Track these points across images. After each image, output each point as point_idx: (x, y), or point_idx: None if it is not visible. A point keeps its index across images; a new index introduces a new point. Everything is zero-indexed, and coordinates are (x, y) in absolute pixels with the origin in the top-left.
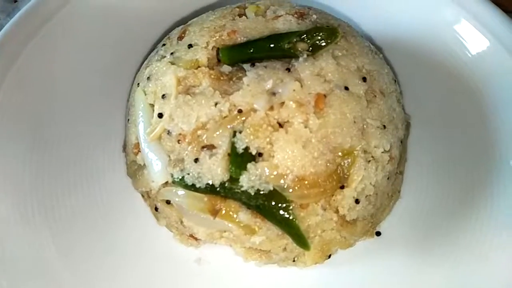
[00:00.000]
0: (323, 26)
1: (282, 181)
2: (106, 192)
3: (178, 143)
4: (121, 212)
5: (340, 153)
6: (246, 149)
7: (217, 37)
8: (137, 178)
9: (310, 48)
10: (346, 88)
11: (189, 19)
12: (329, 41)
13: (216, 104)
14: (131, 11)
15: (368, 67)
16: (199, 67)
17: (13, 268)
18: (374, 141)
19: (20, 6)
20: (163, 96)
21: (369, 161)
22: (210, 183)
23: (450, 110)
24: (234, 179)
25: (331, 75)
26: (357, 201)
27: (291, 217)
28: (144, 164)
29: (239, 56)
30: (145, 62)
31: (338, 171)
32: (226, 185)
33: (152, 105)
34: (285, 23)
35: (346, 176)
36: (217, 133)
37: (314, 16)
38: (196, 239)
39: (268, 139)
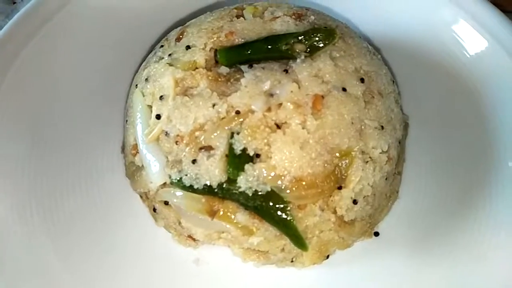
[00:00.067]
0: (321, 27)
1: (279, 182)
2: (105, 193)
3: (176, 144)
4: (119, 213)
5: (337, 154)
6: (244, 150)
7: (215, 39)
8: (136, 179)
9: (308, 49)
10: (344, 89)
11: (187, 21)
12: (327, 42)
13: (214, 105)
14: (130, 12)
15: (366, 68)
16: (197, 68)
17: (12, 269)
18: (372, 142)
19: (19, 8)
20: (161, 97)
21: (367, 162)
22: (208, 184)
23: (448, 111)
24: (232, 180)
25: (329, 76)
26: (355, 202)
27: (289, 218)
28: (142, 165)
29: (237, 57)
30: (143, 64)
31: (336, 172)
32: (224, 186)
33: (150, 107)
34: (283, 24)
35: (343, 177)
36: (215, 134)
37: (312, 17)
38: (194, 240)
39: (265, 140)
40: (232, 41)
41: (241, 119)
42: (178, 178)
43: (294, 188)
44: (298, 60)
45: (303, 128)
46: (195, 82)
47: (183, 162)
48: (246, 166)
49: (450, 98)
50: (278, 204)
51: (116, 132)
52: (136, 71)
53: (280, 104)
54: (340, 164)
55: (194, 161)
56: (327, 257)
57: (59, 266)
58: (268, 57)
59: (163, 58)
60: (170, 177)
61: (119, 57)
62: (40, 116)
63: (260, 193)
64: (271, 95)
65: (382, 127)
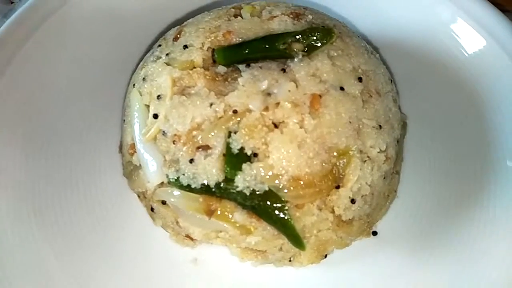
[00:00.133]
0: (318, 26)
1: (277, 181)
2: (103, 192)
3: (173, 143)
4: (117, 212)
5: (335, 153)
6: (241, 149)
7: (212, 38)
8: (133, 178)
9: (306, 49)
10: (342, 88)
11: (185, 20)
12: (324, 41)
13: (211, 104)
14: (127, 12)
15: (364, 67)
16: (194, 67)
17: (9, 270)
18: (369, 141)
19: (16, 8)
20: (159, 97)
21: (365, 161)
22: (205, 184)
23: (446, 110)
24: (229, 180)
25: (327, 76)
26: (353, 201)
27: (286, 217)
28: (140, 165)
29: (234, 56)
30: (141, 63)
31: (334, 171)
32: (222, 185)
33: (148, 106)
34: (280, 23)
35: (341, 176)
36: (212, 133)
37: (310, 17)
38: (192, 239)
39: (263, 140)
40: (230, 40)
41: (239, 119)
42: (176, 178)
43: (291, 188)
44: (295, 59)
45: (300, 128)
46: (193, 81)
47: (181, 161)
48: (244, 166)
49: (448, 98)
50: (276, 204)
51: (113, 131)
52: (134, 71)
53: (278, 104)
54: (338, 163)
55: (191, 161)
56: (325, 256)
57: (57, 265)
58: (265, 56)
59: (160, 57)
60: (167, 176)
61: (117, 57)
62: (38, 116)
63: (257, 193)
64: (269, 94)
65: (380, 126)
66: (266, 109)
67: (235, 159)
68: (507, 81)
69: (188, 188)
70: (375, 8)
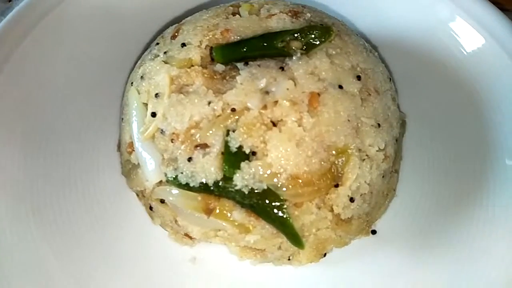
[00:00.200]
0: (317, 24)
1: (276, 180)
2: (101, 191)
3: (172, 142)
4: (116, 211)
5: (334, 152)
6: (240, 148)
7: (210, 36)
8: (131, 177)
9: (304, 47)
10: (340, 87)
11: (182, 18)
12: (323, 39)
13: (209, 103)
14: (125, 10)
15: (363, 66)
16: (192, 66)
17: (8, 269)
18: (368, 139)
19: (14, 6)
20: (157, 95)
21: (364, 159)
22: (204, 182)
23: (445, 108)
24: (227, 178)
25: (325, 74)
26: (351, 200)
27: (285, 216)
28: (138, 163)
29: (233, 55)
30: (139, 61)
31: (332, 170)
32: (220, 184)
33: (146, 104)
34: (279, 21)
35: (340, 175)
36: (211, 132)
37: (308, 15)
38: (191, 238)
39: (261, 138)
40: (228, 38)
41: (237, 117)
42: (174, 176)
43: (290, 186)
44: (294, 58)
45: (299, 126)
46: (191, 79)
47: (179, 160)
48: (242, 164)
49: (447, 96)
50: (275, 202)
51: (112, 130)
52: (132, 69)
53: (276, 102)
54: (336, 162)
55: (189, 159)
56: (324, 255)
57: (56, 264)
58: (264, 55)
59: (158, 55)
60: (165, 175)
61: (115, 55)
62: (36, 114)
63: (256, 191)
64: (267, 92)
65: (379, 125)
66: (265, 107)
67: (234, 158)
68: (506, 80)
69: (186, 186)
70: (373, 6)
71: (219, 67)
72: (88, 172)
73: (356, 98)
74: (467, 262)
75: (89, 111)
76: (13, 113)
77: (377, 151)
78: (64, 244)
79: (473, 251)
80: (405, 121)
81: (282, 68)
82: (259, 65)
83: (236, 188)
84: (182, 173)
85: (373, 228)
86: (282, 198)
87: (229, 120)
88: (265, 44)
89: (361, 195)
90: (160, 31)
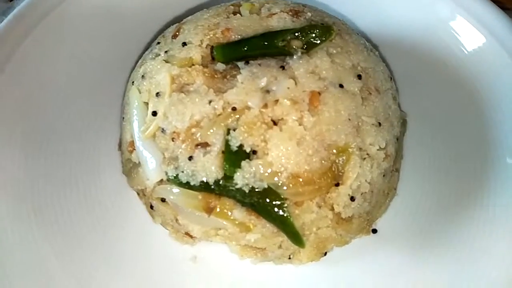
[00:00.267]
0: (317, 23)
1: (276, 179)
2: (102, 191)
3: (172, 141)
4: (117, 210)
5: (334, 151)
6: (240, 146)
7: (211, 35)
8: (132, 176)
9: (305, 46)
10: (341, 86)
11: (183, 17)
12: (323, 38)
13: (210, 102)
14: (126, 9)
15: (363, 65)
16: (193, 65)
17: (10, 269)
18: (369, 138)
19: (15, 6)
20: (157, 94)
21: (364, 158)
22: (205, 181)
23: (446, 107)
24: (228, 177)
25: (326, 73)
26: (352, 199)
27: (285, 215)
28: (139, 162)
29: (233, 54)
30: (140, 61)
31: (333, 169)
32: (221, 182)
33: (147, 103)
34: (279, 20)
35: (341, 174)
36: (211, 131)
37: (309, 14)
38: (191, 236)
39: (262, 137)
40: (229, 37)
41: (238, 116)
42: (175, 175)
43: (291, 185)
44: (294, 57)
45: (299, 125)
46: (191, 78)
47: (180, 158)
48: (243, 163)
49: (447, 95)
50: (275, 201)
51: (113, 129)
52: (133, 68)
53: (277, 101)
54: (337, 161)
55: (190, 158)
56: (325, 254)
57: (57, 265)
58: (264, 54)
59: (159, 55)
60: (166, 174)
61: (116, 54)
62: (37, 114)
63: (257, 190)
64: (268, 91)
65: (380, 124)
66: (265, 106)
67: (234, 157)
68: (506, 79)
69: (187, 185)
70: (374, 5)
71: (220, 66)
72: (89, 171)
73: (357, 97)
74: (467, 261)
75: (90, 111)
76: (14, 113)
77: (377, 150)
78: (65, 244)
79: (473, 251)
80: (405, 120)
81: (282, 67)
82: (259, 64)
83: (237, 187)
84: (182, 172)
85: (373, 227)
86: (282, 197)
87: (230, 119)
88: (265, 43)
89: (361, 194)
90: (161, 31)
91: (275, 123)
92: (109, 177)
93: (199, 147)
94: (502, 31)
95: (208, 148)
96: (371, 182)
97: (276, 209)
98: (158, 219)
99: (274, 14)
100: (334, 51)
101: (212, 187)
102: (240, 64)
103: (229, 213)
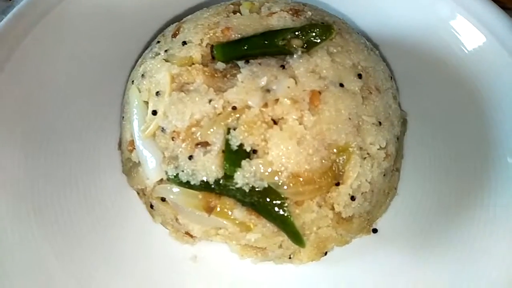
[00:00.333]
0: (318, 22)
1: (276, 178)
2: (102, 190)
3: (172, 140)
4: (117, 210)
5: (335, 150)
6: (241, 146)
7: (211, 34)
8: (132, 175)
9: (305, 45)
10: (341, 85)
11: (183, 16)
12: (324, 37)
13: (210, 101)
14: (126, 8)
15: (364, 64)
16: (193, 64)
17: (9, 269)
18: (369, 138)
19: (15, 5)
20: (157, 93)
21: (365, 158)
22: (205, 180)
23: (446, 107)
24: (228, 176)
25: (326, 72)
26: (352, 198)
27: (286, 214)
28: (139, 162)
29: (233, 53)
30: (140, 60)
31: (333, 168)
32: (221, 182)
33: (147, 103)
34: (279, 19)
35: (341, 173)
36: (211, 130)
37: (309, 13)
38: (191, 236)
39: (262, 136)
40: (229, 36)
41: (238, 115)
42: (175, 174)
43: (291, 184)
44: (295, 56)
45: (300, 124)
46: (191, 78)
47: (180, 158)
48: (243, 162)
49: (448, 94)
50: (275, 200)
51: (113, 129)
52: (133, 67)
53: (277, 100)
54: (337, 160)
55: (190, 157)
56: (325, 253)
57: (57, 264)
58: (264, 53)
59: (159, 54)
60: (166, 173)
61: (116, 53)
62: (37, 114)
63: (257, 189)
64: (268, 90)
65: (380, 123)
66: (265, 105)
67: (234, 156)
68: (507, 78)
69: (187, 184)
70: (374, 5)
71: (220, 65)
72: (89, 171)
73: (357, 97)
74: (467, 261)
75: (90, 110)
76: (14, 112)
77: (378, 149)
78: (65, 243)
79: (474, 251)
80: (406, 120)
81: (283, 66)
82: (260, 63)
83: (237, 186)
84: (183, 171)
85: (374, 226)
86: (283, 196)
87: (230, 118)
88: (266, 42)
89: (362, 194)
90: (161, 30)
91: (275, 122)
92: (109, 177)
93: (199, 146)
94: (502, 31)
95: (208, 148)
96: (371, 181)
97: (276, 209)
98: (158, 218)
99: (274, 13)
100: (335, 50)
101: (212, 186)
102: (240, 63)
103: (230, 213)
